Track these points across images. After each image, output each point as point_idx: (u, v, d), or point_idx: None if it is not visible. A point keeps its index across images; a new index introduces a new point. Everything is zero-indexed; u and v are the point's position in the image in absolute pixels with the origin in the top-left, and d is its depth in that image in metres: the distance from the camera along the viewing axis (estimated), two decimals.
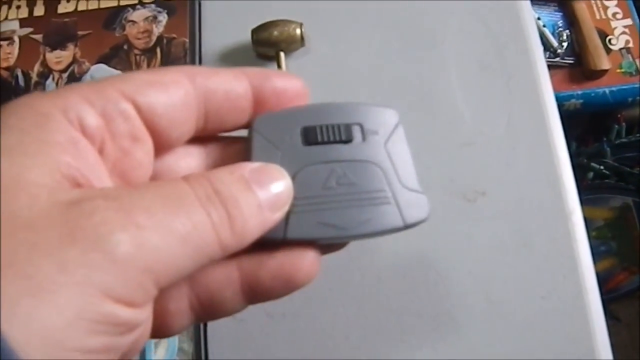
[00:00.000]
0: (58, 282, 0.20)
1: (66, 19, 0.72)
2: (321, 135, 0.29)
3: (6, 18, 0.71)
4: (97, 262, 0.21)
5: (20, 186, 0.22)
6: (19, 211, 0.21)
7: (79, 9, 0.72)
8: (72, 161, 0.24)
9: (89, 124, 0.25)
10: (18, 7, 0.72)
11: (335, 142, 0.29)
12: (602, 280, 1.23)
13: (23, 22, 0.71)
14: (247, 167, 0.28)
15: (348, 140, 0.30)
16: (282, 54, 0.63)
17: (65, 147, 0.24)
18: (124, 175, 0.27)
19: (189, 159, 0.31)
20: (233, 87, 0.29)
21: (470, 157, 0.59)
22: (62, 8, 0.72)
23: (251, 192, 0.27)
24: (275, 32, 0.62)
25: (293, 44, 0.63)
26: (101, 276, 0.21)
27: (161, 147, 0.29)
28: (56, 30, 0.71)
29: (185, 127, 0.29)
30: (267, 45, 0.63)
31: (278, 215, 0.28)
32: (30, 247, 0.21)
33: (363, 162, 0.30)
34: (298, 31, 0.63)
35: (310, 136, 0.29)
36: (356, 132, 0.29)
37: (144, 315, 0.24)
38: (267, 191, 0.27)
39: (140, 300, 0.23)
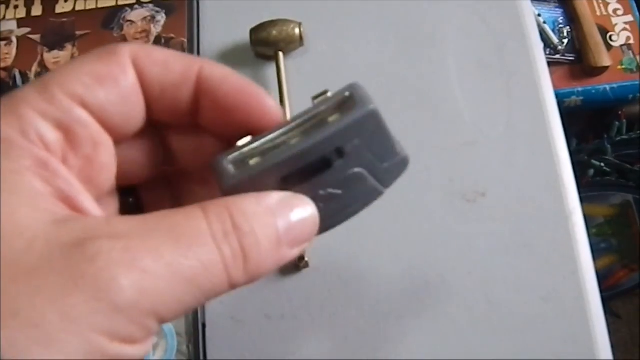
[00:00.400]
0: (64, 331, 0.20)
1: (64, 19, 0.71)
2: (300, 178, 0.28)
3: (4, 18, 0.71)
4: (101, 309, 0.21)
5: (13, 231, 0.21)
6: (18, 257, 0.21)
7: (77, 8, 0.71)
8: (48, 185, 0.23)
9: (49, 140, 0.24)
10: (16, 6, 0.71)
11: (315, 175, 0.29)
12: (602, 277, 1.24)
13: (21, 22, 0.71)
14: (275, 197, 0.27)
15: (328, 167, 0.29)
16: (280, 54, 0.62)
17: (36, 172, 0.23)
18: (90, 180, 0.26)
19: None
20: (174, 87, 0.28)
21: (470, 157, 0.59)
22: (60, 8, 0.71)
23: (274, 228, 0.26)
24: (274, 32, 0.62)
25: (292, 44, 0.63)
26: (105, 322, 0.21)
27: (119, 141, 0.28)
28: (54, 30, 0.71)
29: (139, 116, 0.28)
30: (266, 45, 0.62)
31: (296, 251, 0.28)
32: (33, 294, 0.20)
33: (344, 176, 0.30)
34: (297, 31, 0.62)
35: (290, 182, 0.28)
36: (334, 156, 0.29)
37: (147, 347, 0.24)
38: (291, 226, 0.27)
39: (143, 336, 0.23)
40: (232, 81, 0.29)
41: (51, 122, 0.25)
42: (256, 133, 0.28)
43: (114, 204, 0.31)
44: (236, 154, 0.27)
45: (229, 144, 0.29)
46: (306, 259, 0.55)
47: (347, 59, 0.64)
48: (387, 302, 0.55)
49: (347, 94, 0.29)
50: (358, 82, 0.30)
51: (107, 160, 0.27)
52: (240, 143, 0.28)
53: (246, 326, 0.55)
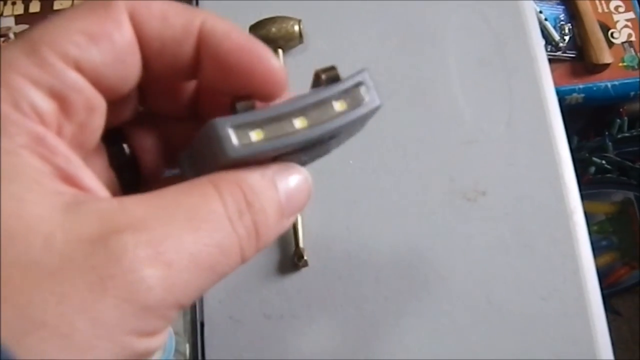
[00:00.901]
0: (95, 337, 0.20)
1: None
2: (291, 152, 0.28)
3: (2, 15, 0.70)
4: (131, 311, 0.21)
5: (27, 225, 0.20)
6: (37, 257, 0.20)
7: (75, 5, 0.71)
8: (47, 164, 0.22)
9: (43, 111, 0.23)
10: (14, 3, 0.71)
11: (305, 149, 0.28)
12: (603, 274, 1.24)
13: (19, 19, 0.71)
14: (273, 169, 0.27)
15: (320, 144, 0.29)
16: (280, 51, 0.62)
17: (34, 149, 0.22)
18: (81, 145, 0.25)
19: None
20: (175, 42, 0.27)
21: (471, 156, 0.58)
22: (58, 5, 0.71)
23: (277, 201, 0.26)
24: (273, 29, 0.62)
25: (291, 41, 0.62)
26: (134, 322, 0.21)
27: (112, 101, 0.26)
28: None
29: (135, 75, 0.27)
30: (265, 42, 0.61)
31: (292, 220, 0.28)
32: (59, 301, 0.20)
33: (329, 146, 0.30)
34: (296, 28, 0.62)
35: (281, 155, 0.28)
36: (328, 138, 0.28)
37: (167, 334, 0.24)
38: (289, 197, 0.27)
39: (165, 326, 0.23)
40: (235, 37, 0.27)
41: (44, 90, 0.23)
42: (258, 94, 0.28)
43: (102, 153, 0.30)
44: (238, 120, 0.26)
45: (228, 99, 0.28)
46: (305, 257, 0.55)
47: (347, 56, 0.63)
48: (386, 301, 0.55)
49: (357, 81, 0.28)
50: (367, 70, 0.28)
51: (98, 123, 0.26)
52: (239, 106, 0.26)
53: (245, 326, 0.55)
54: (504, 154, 0.58)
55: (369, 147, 0.59)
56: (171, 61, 0.27)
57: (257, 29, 0.62)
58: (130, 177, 0.31)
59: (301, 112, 0.26)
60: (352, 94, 0.28)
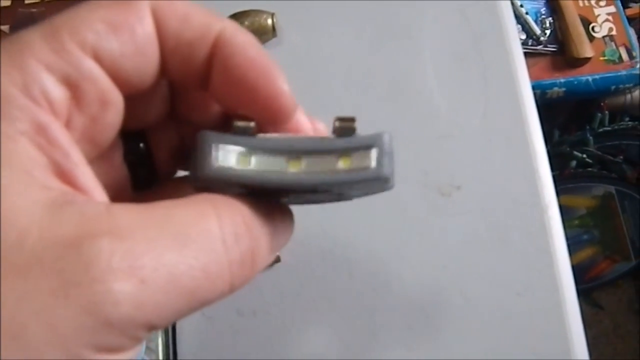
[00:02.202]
0: (46, 344, 0.19)
1: (33, 9, 0.70)
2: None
3: None
4: (91, 324, 0.19)
5: (5, 218, 0.19)
6: (8, 251, 0.19)
7: None
8: (44, 155, 0.21)
9: (54, 98, 0.22)
10: None
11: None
12: (585, 268, 1.24)
13: None
14: (265, 204, 0.25)
15: (312, 192, 0.26)
16: None
17: (33, 138, 0.21)
18: (92, 140, 0.24)
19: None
20: (189, 44, 0.25)
21: (446, 150, 0.58)
22: None
23: (270, 235, 0.25)
24: (246, 22, 0.61)
25: (264, 35, 0.62)
26: (94, 336, 0.19)
27: (129, 96, 0.25)
28: (24, 21, 0.70)
29: (153, 70, 0.25)
30: None
31: (273, 258, 0.27)
32: (17, 299, 0.19)
33: (322, 196, 0.28)
34: (269, 21, 0.61)
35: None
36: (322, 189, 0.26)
37: (134, 352, 0.22)
38: (277, 233, 0.26)
39: (132, 345, 0.21)
40: (250, 52, 0.26)
41: (58, 76, 0.22)
42: (261, 117, 0.26)
43: (117, 151, 0.29)
44: (226, 140, 0.24)
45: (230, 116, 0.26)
46: (278, 253, 0.54)
47: (321, 50, 0.63)
48: (359, 296, 0.54)
49: (370, 144, 0.25)
50: (387, 135, 0.26)
51: (113, 120, 0.25)
52: (236, 125, 0.25)
53: (217, 323, 0.54)
54: (479, 149, 0.58)
55: None
56: (183, 64, 0.26)
57: None
58: (143, 175, 0.30)
59: (299, 154, 0.25)
60: (360, 155, 0.25)
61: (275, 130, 0.27)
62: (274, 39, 0.63)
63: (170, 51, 0.25)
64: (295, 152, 0.25)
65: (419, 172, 0.58)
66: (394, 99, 0.61)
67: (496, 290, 0.54)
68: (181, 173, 0.32)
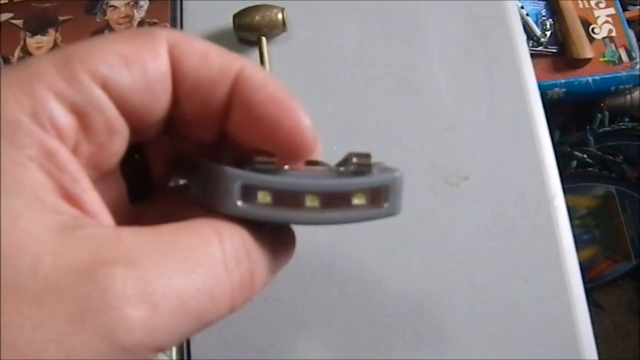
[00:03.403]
0: None
1: (47, 4, 0.71)
2: None
3: None
4: (105, 349, 0.20)
5: (18, 244, 0.20)
6: (22, 279, 0.19)
7: None
8: (52, 180, 0.22)
9: (62, 126, 0.22)
10: None
11: None
12: (585, 268, 1.25)
13: (3, 7, 0.71)
14: (269, 230, 0.26)
15: None
16: (263, 39, 0.62)
17: (41, 164, 0.21)
18: (98, 166, 0.25)
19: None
20: (210, 83, 0.26)
21: (453, 142, 0.59)
22: None
23: (271, 257, 0.26)
24: (257, 17, 0.62)
25: (275, 29, 0.63)
26: None
27: (136, 130, 0.26)
28: (37, 16, 0.70)
29: (162, 109, 0.26)
30: (249, 30, 0.62)
31: (274, 278, 0.27)
32: (35, 327, 0.19)
33: None
34: (280, 16, 0.62)
35: None
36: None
37: None
38: (278, 256, 0.27)
39: None
40: (270, 89, 0.26)
41: (67, 104, 0.22)
42: (282, 151, 0.27)
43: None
44: (250, 178, 0.25)
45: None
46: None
47: (330, 44, 0.64)
48: (369, 284, 0.55)
49: (386, 183, 0.26)
50: (400, 174, 0.27)
51: (119, 147, 0.25)
52: (259, 161, 0.25)
53: None
54: (486, 140, 0.59)
55: (352, 134, 0.59)
56: (203, 102, 0.26)
57: (241, 16, 0.62)
58: (140, 186, 0.30)
59: (317, 192, 0.25)
60: (375, 192, 0.26)
61: (294, 162, 0.28)
62: (284, 34, 0.64)
63: (189, 90, 0.26)
64: (314, 190, 0.25)
65: (426, 163, 0.58)
66: (401, 92, 0.61)
67: (503, 277, 0.55)
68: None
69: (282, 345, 0.54)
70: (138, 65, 0.24)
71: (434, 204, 0.57)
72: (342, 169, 0.27)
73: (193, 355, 0.55)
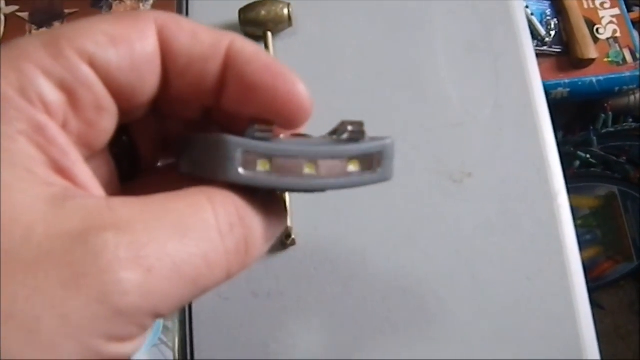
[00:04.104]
0: (61, 336, 0.19)
1: None
2: None
3: None
4: (102, 313, 0.20)
5: (11, 215, 0.20)
6: (16, 248, 0.19)
7: None
8: (42, 153, 0.22)
9: (50, 101, 0.22)
10: None
11: None
12: (587, 268, 1.24)
13: (9, 0, 0.71)
14: (261, 196, 0.26)
15: None
16: (269, 34, 0.62)
17: (31, 137, 0.22)
18: (89, 145, 0.25)
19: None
20: (203, 59, 0.26)
21: (457, 138, 0.59)
22: None
23: (265, 224, 0.26)
24: (263, 12, 0.62)
25: (280, 24, 0.63)
26: (105, 325, 0.20)
27: (123, 111, 0.26)
28: (42, 9, 0.70)
29: (149, 89, 0.26)
30: (255, 25, 0.63)
31: (267, 248, 0.27)
32: (30, 294, 0.19)
33: None
34: (285, 11, 0.62)
35: None
36: None
37: (143, 341, 0.23)
38: (272, 224, 0.27)
39: (140, 333, 0.22)
40: (262, 59, 0.27)
41: (54, 81, 0.23)
42: (280, 119, 0.27)
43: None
44: (250, 146, 0.25)
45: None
46: (293, 236, 0.55)
47: (336, 40, 0.64)
48: (372, 279, 0.55)
49: (379, 149, 0.27)
50: (392, 141, 0.28)
51: (108, 125, 0.25)
52: (257, 129, 0.25)
53: (233, 304, 0.55)
54: (490, 137, 0.59)
55: None
56: (197, 78, 0.27)
57: (247, 12, 0.62)
58: (128, 166, 0.31)
59: (314, 158, 0.26)
60: (369, 159, 0.27)
61: (291, 128, 0.28)
62: (289, 29, 0.64)
63: (182, 68, 0.26)
64: (311, 156, 0.26)
65: (431, 159, 0.59)
66: (406, 88, 0.62)
67: (506, 274, 0.55)
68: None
69: (285, 341, 0.55)
70: (125, 45, 0.24)
71: (438, 200, 0.57)
72: (334, 137, 0.28)
73: (196, 351, 0.55)
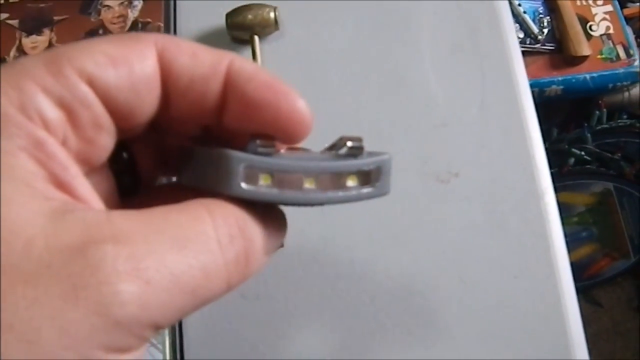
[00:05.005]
0: (60, 347, 0.19)
1: (42, 4, 0.71)
2: None
3: None
4: (101, 325, 0.20)
5: (11, 229, 0.20)
6: (16, 260, 0.20)
7: None
8: (42, 168, 0.22)
9: (49, 118, 0.23)
10: None
11: None
12: (584, 266, 1.25)
13: None
14: (262, 209, 0.26)
15: None
16: (256, 38, 0.63)
17: (31, 152, 0.22)
18: (88, 161, 0.25)
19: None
20: (204, 79, 0.27)
21: (444, 139, 0.59)
22: None
23: (265, 236, 0.26)
24: (250, 16, 0.62)
25: (267, 28, 0.63)
26: (104, 337, 0.20)
27: (121, 130, 0.26)
28: (32, 15, 0.71)
29: (148, 110, 0.27)
30: (242, 29, 0.63)
31: (269, 260, 0.27)
32: (29, 305, 0.19)
33: None
34: (272, 15, 0.63)
35: None
36: None
37: (142, 352, 0.23)
38: (271, 236, 0.27)
39: (139, 344, 0.22)
40: (263, 77, 0.27)
41: (54, 99, 0.23)
42: (281, 134, 0.28)
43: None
44: (252, 161, 0.26)
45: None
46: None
47: (322, 42, 0.64)
48: (360, 281, 0.56)
49: (377, 165, 0.28)
50: (389, 157, 0.29)
51: (107, 143, 0.26)
52: (259, 144, 0.26)
53: (222, 306, 0.56)
54: (477, 137, 0.59)
55: (344, 130, 0.60)
56: (198, 98, 0.27)
57: (234, 16, 0.63)
58: (129, 182, 0.31)
59: (315, 174, 0.26)
60: (367, 174, 0.28)
61: (292, 143, 0.29)
62: (276, 32, 0.64)
63: (183, 88, 0.27)
64: (311, 172, 0.26)
65: (417, 160, 0.59)
66: (393, 89, 0.62)
67: (494, 273, 0.55)
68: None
69: (274, 342, 0.55)
70: (124, 66, 0.25)
71: (425, 201, 0.58)
72: (333, 152, 0.28)
73: (186, 353, 0.55)
